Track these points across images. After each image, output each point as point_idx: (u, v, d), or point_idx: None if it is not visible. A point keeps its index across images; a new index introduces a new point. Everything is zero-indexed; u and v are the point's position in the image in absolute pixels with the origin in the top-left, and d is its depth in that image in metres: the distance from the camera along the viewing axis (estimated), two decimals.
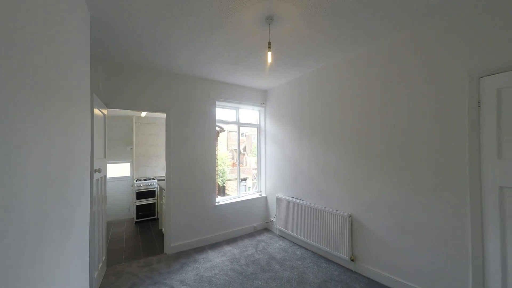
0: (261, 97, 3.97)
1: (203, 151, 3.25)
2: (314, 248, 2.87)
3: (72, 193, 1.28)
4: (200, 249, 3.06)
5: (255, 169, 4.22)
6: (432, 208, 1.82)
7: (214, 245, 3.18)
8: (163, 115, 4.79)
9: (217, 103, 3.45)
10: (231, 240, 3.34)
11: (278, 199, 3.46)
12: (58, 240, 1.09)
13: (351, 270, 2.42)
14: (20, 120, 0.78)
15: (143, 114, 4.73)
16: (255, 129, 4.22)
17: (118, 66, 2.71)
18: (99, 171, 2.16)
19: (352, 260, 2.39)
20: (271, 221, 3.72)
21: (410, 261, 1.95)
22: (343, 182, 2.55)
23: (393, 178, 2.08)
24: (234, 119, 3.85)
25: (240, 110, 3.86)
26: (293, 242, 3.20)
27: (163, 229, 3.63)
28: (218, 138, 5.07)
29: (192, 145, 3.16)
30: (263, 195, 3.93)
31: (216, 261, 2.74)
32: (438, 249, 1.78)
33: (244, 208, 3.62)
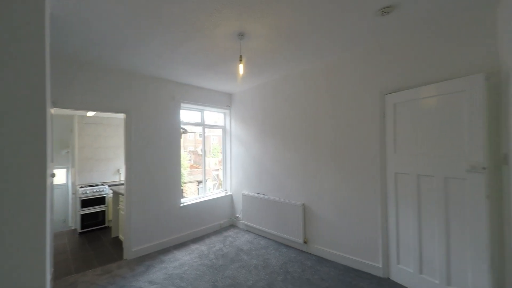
0: (227, 100, 4.16)
1: (168, 152, 3.24)
2: (276, 237, 3.26)
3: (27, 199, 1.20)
4: (166, 250, 3.05)
5: (216, 170, 4.37)
6: (358, 192, 2.41)
7: (180, 245, 3.21)
8: (114, 115, 4.42)
9: (182, 105, 3.47)
10: (198, 239, 3.42)
11: (243, 195, 3.73)
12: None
13: (305, 252, 2.90)
14: None
15: (90, 113, 4.22)
16: (215, 130, 4.38)
17: (67, 63, 2.48)
18: (53, 175, 1.97)
19: (305, 242, 2.87)
20: (237, 217, 3.96)
21: (345, 236, 2.52)
22: (298, 176, 3.01)
23: (334, 172, 2.63)
24: (199, 121, 3.91)
25: (205, 112, 3.96)
26: (258, 234, 3.52)
27: (120, 236, 3.43)
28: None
29: (155, 147, 3.12)
30: (229, 193, 4.13)
31: (184, 259, 2.80)
32: (362, 224, 2.39)
33: (210, 207, 3.75)
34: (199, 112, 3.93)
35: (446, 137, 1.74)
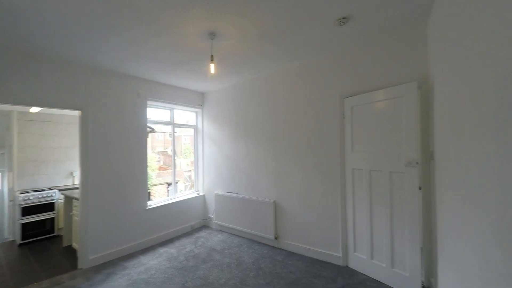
0: (199, 99, 4.13)
1: (132, 153, 3.11)
2: (249, 235, 3.35)
3: None
4: (130, 256, 2.93)
5: (188, 171, 4.32)
6: (322, 188, 2.63)
7: (146, 249, 3.11)
8: (66, 112, 4.02)
9: (149, 102, 3.36)
10: (167, 242, 3.35)
11: (216, 195, 3.74)
12: None
13: (276, 247, 3.05)
14: None
15: (34, 109, 3.78)
16: (187, 130, 4.32)
17: (6, 53, 2.22)
18: None
19: (276, 238, 3.02)
20: (210, 217, 3.96)
21: (312, 230, 2.72)
22: (270, 174, 3.15)
23: (301, 169, 2.82)
24: (168, 120, 3.82)
25: (175, 110, 3.88)
26: (231, 234, 3.58)
27: (73, 244, 3.17)
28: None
29: (118, 147, 2.97)
30: (201, 194, 4.10)
31: (151, 263, 2.74)
32: (325, 217, 2.60)
33: (180, 209, 3.70)
34: (169, 111, 3.83)
35: (391, 137, 2.01)
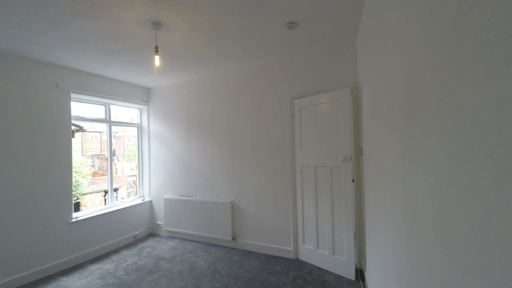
0: (143, 95, 3.76)
1: (49, 156, 2.60)
2: (205, 239, 3.24)
3: None
4: (47, 279, 2.45)
5: (132, 176, 3.90)
6: (275, 185, 2.77)
7: (71, 269, 2.66)
8: None
9: (74, 96, 2.88)
10: (102, 257, 2.94)
11: (166, 200, 3.48)
12: None
13: (233, 248, 3.04)
14: None
15: None
16: (130, 129, 3.91)
17: None
18: None
19: (233, 239, 3.01)
20: (158, 224, 3.65)
21: (267, 227, 2.84)
22: (226, 174, 3.12)
23: (256, 167, 2.90)
24: (103, 117, 3.35)
25: (113, 107, 3.44)
26: (184, 239, 3.39)
27: None
28: (73, 139, 4.07)
29: (24, 149, 2.42)
30: (147, 199, 3.75)
31: (77, 284, 2.35)
32: (279, 213, 2.76)
33: (120, 218, 3.30)
34: (103, 106, 3.35)
35: (331, 136, 2.27)
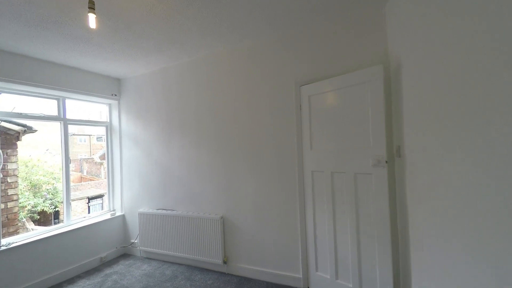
0: (113, 87, 3.10)
1: None
2: (188, 261, 2.64)
3: None
4: None
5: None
6: (277, 196, 2.21)
7: None
8: None
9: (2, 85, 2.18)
10: None
11: (141, 215, 2.85)
12: None
13: (225, 273, 2.45)
14: None
15: None
16: (97, 128, 3.24)
17: None
18: None
19: (225, 262, 2.43)
20: (133, 243, 3.00)
21: (267, 248, 2.26)
22: (215, 183, 2.53)
23: (252, 174, 2.33)
24: (55, 114, 2.68)
25: (69, 101, 2.77)
26: (163, 261, 2.77)
27: None
28: (19, 142, 3.33)
29: None
30: (119, 213, 3.09)
31: None
32: (282, 232, 2.19)
33: (79, 239, 2.65)
34: (55, 101, 2.67)
35: (355, 132, 1.75)
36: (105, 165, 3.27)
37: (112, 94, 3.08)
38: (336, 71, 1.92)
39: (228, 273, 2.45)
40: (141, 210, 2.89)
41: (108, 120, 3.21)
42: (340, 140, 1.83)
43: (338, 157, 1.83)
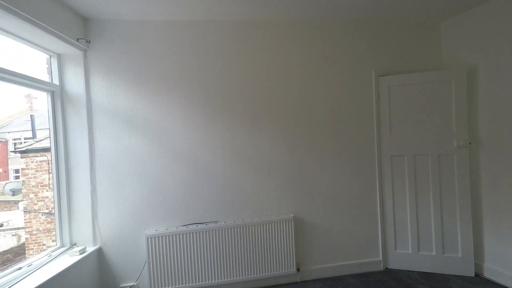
0: (74, 27, 1.80)
1: None
2: (248, 284, 2.01)
3: None
4: None
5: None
6: (355, 184, 2.19)
7: None
8: None
9: None
10: None
11: (151, 239, 1.86)
12: None
13: (297, 282, 2.09)
14: None
15: None
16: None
17: None
18: None
19: (298, 269, 2.06)
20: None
21: (344, 240, 2.17)
22: (282, 177, 2.11)
23: (328, 164, 2.16)
24: None
25: None
26: None
27: None
28: None
29: None
30: (90, 248, 1.86)
31: None
32: (360, 219, 2.19)
33: None
34: None
35: (437, 120, 2.07)
36: (44, 160, 1.85)
37: (77, 39, 1.74)
38: (407, 68, 2.21)
39: (302, 281, 2.10)
40: (150, 232, 1.86)
41: (58, 82, 1.79)
42: (422, 127, 2.09)
43: (420, 141, 2.09)
